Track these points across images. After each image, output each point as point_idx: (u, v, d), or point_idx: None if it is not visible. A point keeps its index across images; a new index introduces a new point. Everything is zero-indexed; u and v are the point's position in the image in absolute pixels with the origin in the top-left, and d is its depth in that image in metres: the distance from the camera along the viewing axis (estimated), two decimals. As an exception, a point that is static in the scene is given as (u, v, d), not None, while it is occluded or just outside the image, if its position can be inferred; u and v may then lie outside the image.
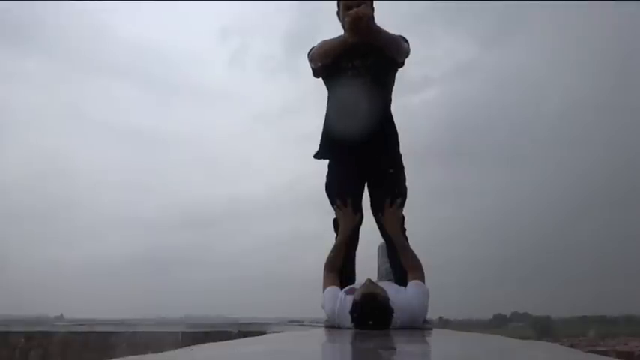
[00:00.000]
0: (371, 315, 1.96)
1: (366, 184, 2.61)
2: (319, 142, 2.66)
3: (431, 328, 2.23)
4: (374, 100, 2.55)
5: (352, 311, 2.00)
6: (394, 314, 1.99)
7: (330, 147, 2.65)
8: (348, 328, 2.05)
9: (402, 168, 2.64)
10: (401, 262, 2.36)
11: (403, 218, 2.52)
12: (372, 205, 2.59)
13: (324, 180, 2.66)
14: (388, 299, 1.98)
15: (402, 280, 2.33)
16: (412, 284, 2.22)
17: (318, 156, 2.67)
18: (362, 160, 2.57)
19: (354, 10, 2.37)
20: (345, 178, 2.57)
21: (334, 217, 2.58)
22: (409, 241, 2.44)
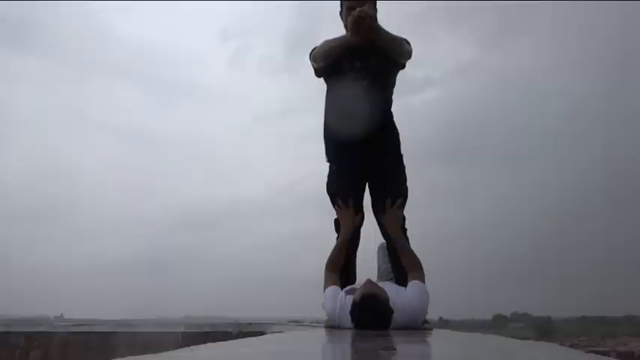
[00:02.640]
0: (371, 315, 1.96)
1: (367, 184, 2.62)
2: (325, 144, 2.67)
3: (431, 329, 2.23)
4: (374, 101, 2.55)
5: (352, 311, 2.01)
6: (394, 314, 1.99)
7: (331, 147, 2.65)
8: (349, 329, 2.05)
9: (403, 168, 2.64)
10: (401, 262, 2.37)
11: (404, 218, 2.53)
12: (372, 205, 2.59)
13: (324, 180, 2.66)
14: (388, 299, 1.98)
15: (402, 280, 2.33)
16: (412, 284, 2.23)
17: (329, 158, 2.66)
18: (363, 160, 2.57)
19: (357, 10, 2.38)
20: (347, 178, 2.58)
21: (335, 217, 2.58)
22: (410, 242, 2.44)
